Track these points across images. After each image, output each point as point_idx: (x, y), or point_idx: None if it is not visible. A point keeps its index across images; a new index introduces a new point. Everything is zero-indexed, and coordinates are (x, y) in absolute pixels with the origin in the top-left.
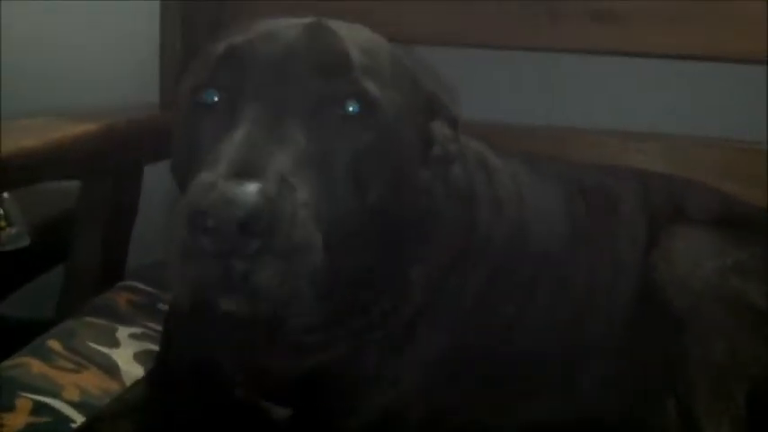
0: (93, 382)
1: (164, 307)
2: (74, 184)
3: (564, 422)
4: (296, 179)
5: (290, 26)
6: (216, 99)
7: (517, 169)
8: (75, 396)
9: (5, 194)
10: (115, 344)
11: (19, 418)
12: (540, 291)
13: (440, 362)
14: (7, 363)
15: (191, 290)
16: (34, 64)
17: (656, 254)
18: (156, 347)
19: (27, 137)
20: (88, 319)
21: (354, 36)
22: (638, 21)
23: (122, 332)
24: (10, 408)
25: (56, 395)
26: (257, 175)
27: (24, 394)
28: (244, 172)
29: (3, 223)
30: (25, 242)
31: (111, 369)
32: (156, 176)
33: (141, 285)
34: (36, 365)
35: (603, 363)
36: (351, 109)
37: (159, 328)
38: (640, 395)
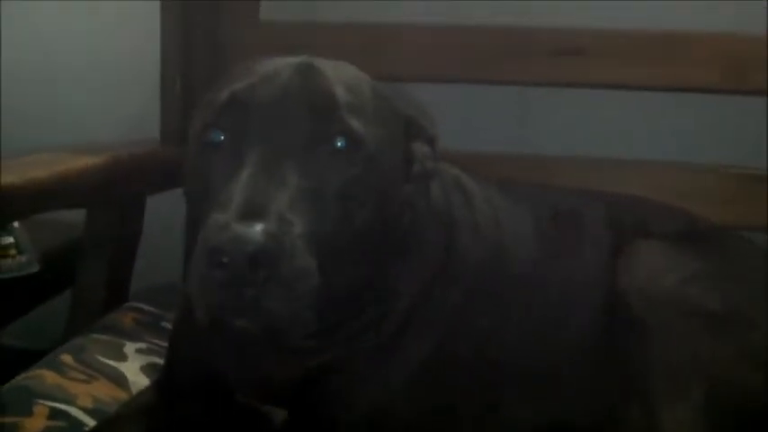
0: (103, 392)
1: (167, 325)
2: (80, 216)
3: (539, 424)
4: (293, 215)
5: (283, 68)
6: (222, 138)
7: (492, 193)
8: (88, 403)
9: (16, 224)
10: (123, 358)
11: (37, 422)
12: (514, 305)
13: (425, 367)
14: (22, 375)
15: (209, 312)
16: (36, 104)
17: (621, 266)
18: (160, 361)
19: (35, 169)
20: (96, 336)
21: (340, 75)
22: (600, 56)
23: (129, 347)
24: (28, 413)
25: (70, 402)
26: (261, 216)
27: (41, 401)
28: (250, 213)
29: (13, 251)
30: (35, 269)
31: (119, 380)
32: (158, 206)
33: (145, 306)
34: (50, 377)
35: (575, 369)
36: (339, 144)
37: (164, 343)
38: (608, 399)
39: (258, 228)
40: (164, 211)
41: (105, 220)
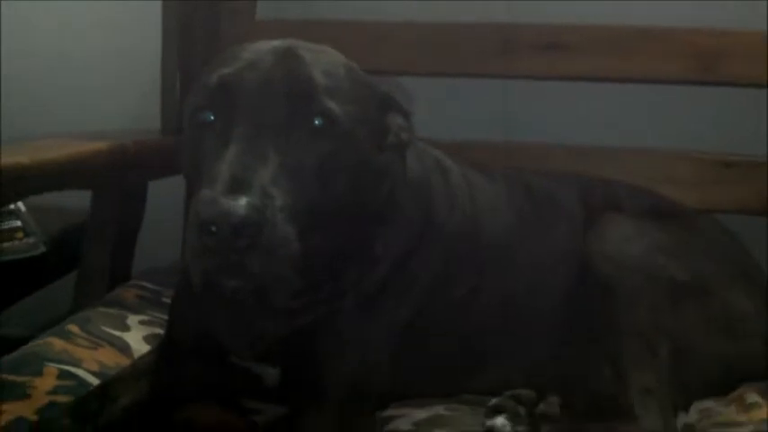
0: (108, 357)
1: (167, 300)
2: (84, 203)
3: (514, 386)
4: (274, 188)
5: (267, 53)
6: (212, 118)
7: (470, 173)
8: (94, 367)
9: (23, 208)
10: (126, 328)
11: (47, 381)
12: (490, 275)
13: (404, 329)
14: (32, 343)
15: (202, 275)
16: (39, 97)
17: (591, 236)
18: (161, 332)
19: (45, 151)
20: (101, 309)
21: (318, 59)
22: (579, 50)
23: (132, 319)
24: (39, 374)
25: (77, 365)
26: (245, 190)
27: (51, 364)
28: (235, 188)
29: (20, 234)
30: (41, 250)
31: (123, 348)
32: (160, 192)
33: (147, 284)
34: (58, 343)
35: (548, 334)
36: (317, 123)
37: (164, 316)
38: (580, 362)
39: (242, 201)
40: (164, 197)
41: (109, 204)
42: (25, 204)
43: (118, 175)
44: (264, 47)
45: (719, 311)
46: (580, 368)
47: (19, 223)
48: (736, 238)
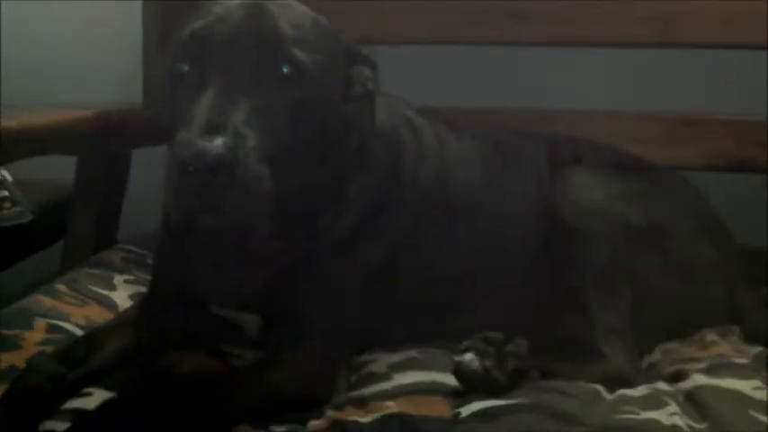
0: (95, 313)
1: (152, 261)
2: (70, 177)
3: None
4: (246, 130)
5: (236, 7)
6: (186, 69)
7: (440, 129)
8: (81, 321)
9: (9, 178)
10: (112, 287)
11: (37, 334)
12: (460, 225)
13: (376, 273)
14: (21, 301)
15: (181, 213)
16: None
17: (556, 185)
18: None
19: (32, 116)
20: (88, 270)
21: (285, 12)
22: (547, 18)
23: (118, 279)
24: (29, 327)
25: (66, 320)
26: (219, 132)
27: (40, 318)
28: (210, 130)
29: (8, 204)
30: (28, 218)
31: (110, 305)
32: (142, 160)
33: (132, 248)
34: (47, 300)
35: (516, 281)
36: (285, 71)
37: (149, 276)
38: (548, 303)
39: (217, 141)
40: (148, 167)
41: (95, 171)
42: (15, 177)
43: (102, 142)
44: (234, 2)
45: (679, 256)
46: (547, 312)
47: (6, 193)
48: (697, 191)
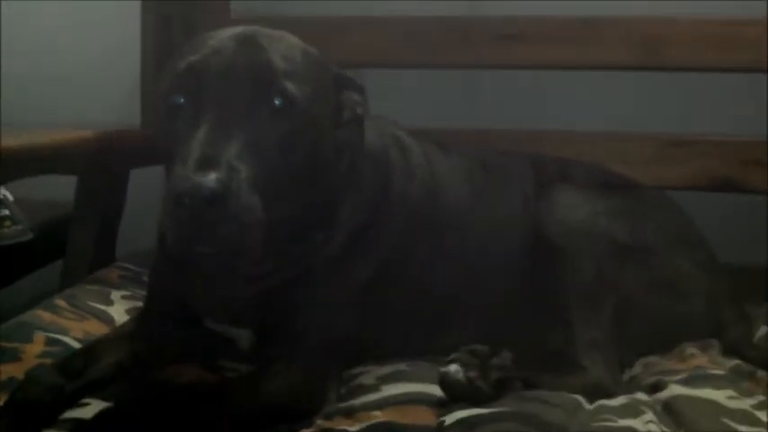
0: (94, 328)
1: (147, 278)
2: (70, 196)
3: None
4: (239, 163)
5: (230, 40)
6: (182, 101)
7: (429, 149)
8: (80, 335)
9: (10, 198)
10: (110, 303)
11: (36, 347)
12: (448, 242)
13: (366, 289)
14: (22, 315)
15: (177, 243)
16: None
17: (542, 203)
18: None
19: (33, 136)
20: (87, 286)
21: (276, 44)
22: (533, 40)
23: (115, 294)
24: (29, 340)
25: (65, 333)
26: (213, 166)
27: (39, 332)
28: (205, 165)
29: (8, 222)
30: (28, 237)
31: (107, 320)
32: (140, 180)
33: (129, 265)
34: (46, 315)
35: (504, 294)
36: (277, 103)
37: (145, 292)
38: (533, 318)
39: (211, 176)
40: (145, 185)
41: (94, 189)
42: (15, 196)
43: (102, 162)
44: (228, 33)
45: (661, 272)
46: (531, 326)
47: (7, 212)
48: (680, 209)
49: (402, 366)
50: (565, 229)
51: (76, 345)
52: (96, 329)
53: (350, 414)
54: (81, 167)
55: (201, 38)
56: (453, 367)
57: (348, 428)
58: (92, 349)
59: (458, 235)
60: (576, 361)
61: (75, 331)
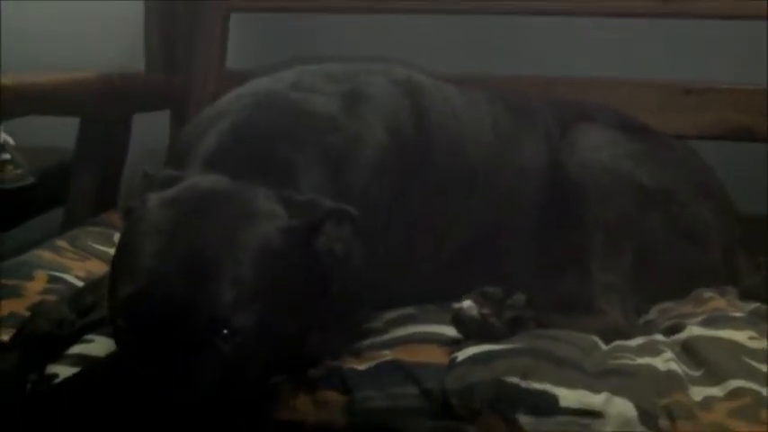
0: (96, 267)
1: None
2: (71, 144)
3: None
4: None
5: (172, 264)
6: (124, 326)
7: (447, 90)
8: (81, 273)
9: (12, 142)
10: (112, 244)
11: (37, 285)
12: (470, 179)
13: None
14: (22, 255)
15: None
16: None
17: (564, 144)
18: None
19: (33, 76)
20: (89, 228)
21: (226, 255)
22: None
23: (118, 236)
24: (30, 278)
25: (66, 272)
26: None
27: (41, 270)
28: None
29: (10, 166)
30: (29, 181)
31: (110, 260)
32: (143, 127)
33: None
34: (47, 255)
35: (521, 235)
36: (225, 333)
37: None
38: (549, 263)
39: None
40: (148, 131)
41: (96, 134)
42: (18, 143)
43: (104, 106)
44: (170, 248)
45: (681, 218)
46: (547, 270)
47: (8, 156)
48: (701, 158)
49: (410, 310)
50: (587, 170)
51: (78, 283)
52: (98, 269)
53: (358, 354)
54: (83, 110)
55: (144, 238)
56: (467, 303)
57: (356, 367)
58: (100, 285)
59: (478, 176)
60: (592, 304)
61: (76, 270)
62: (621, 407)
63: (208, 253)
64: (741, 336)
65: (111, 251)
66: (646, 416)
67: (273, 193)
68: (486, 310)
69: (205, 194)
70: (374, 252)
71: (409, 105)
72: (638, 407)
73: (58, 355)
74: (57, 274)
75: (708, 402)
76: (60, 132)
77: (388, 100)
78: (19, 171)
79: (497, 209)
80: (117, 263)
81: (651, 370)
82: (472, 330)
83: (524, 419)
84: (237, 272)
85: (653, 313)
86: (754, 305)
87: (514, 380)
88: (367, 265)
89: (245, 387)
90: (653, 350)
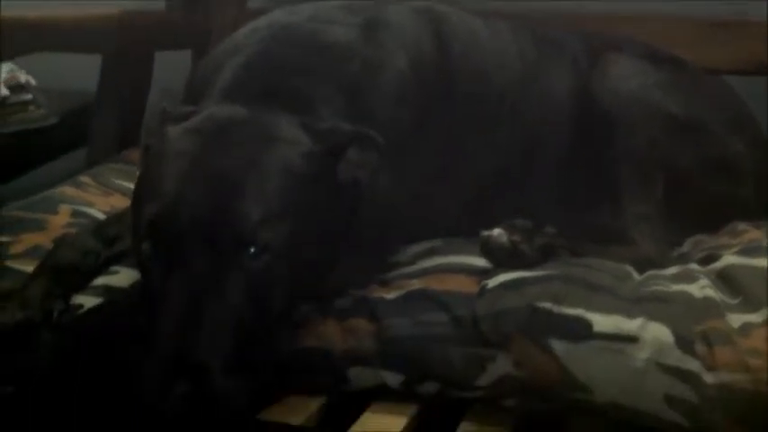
0: (119, 202)
1: None
2: (93, 87)
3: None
4: (213, 355)
5: (196, 181)
6: (151, 251)
7: (473, 22)
8: (105, 207)
9: (33, 82)
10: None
11: (61, 218)
12: (499, 110)
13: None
14: (45, 191)
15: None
16: None
17: (594, 73)
18: None
19: (55, 10)
20: (112, 165)
21: (252, 174)
22: None
23: None
24: (54, 212)
25: (90, 206)
26: (184, 373)
27: (64, 204)
28: (176, 371)
29: (32, 107)
30: (52, 121)
31: None
32: (166, 67)
33: None
34: (71, 190)
35: (551, 166)
36: (252, 251)
37: None
38: (581, 194)
39: (181, 388)
40: (170, 72)
41: (118, 72)
42: (40, 84)
43: (125, 42)
44: (196, 177)
45: (714, 150)
46: (577, 203)
47: (29, 96)
48: (733, 90)
49: (437, 242)
50: (618, 99)
51: (102, 217)
52: (122, 204)
53: (385, 284)
54: (104, 47)
55: (167, 164)
56: (496, 231)
57: (384, 296)
58: (123, 217)
59: (504, 106)
60: (625, 235)
61: (100, 205)
62: (657, 332)
63: (231, 173)
64: None
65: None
66: (682, 341)
67: (295, 120)
68: (516, 238)
69: (225, 122)
70: (399, 182)
71: (431, 33)
72: (674, 332)
73: (83, 286)
74: (80, 208)
75: (746, 329)
76: (83, 75)
77: (409, 28)
78: (42, 111)
79: (524, 139)
80: (140, 189)
81: (687, 296)
82: (502, 258)
83: (557, 345)
84: (262, 191)
85: (687, 246)
86: None
87: (547, 305)
88: (392, 196)
89: (273, 313)
90: (688, 278)
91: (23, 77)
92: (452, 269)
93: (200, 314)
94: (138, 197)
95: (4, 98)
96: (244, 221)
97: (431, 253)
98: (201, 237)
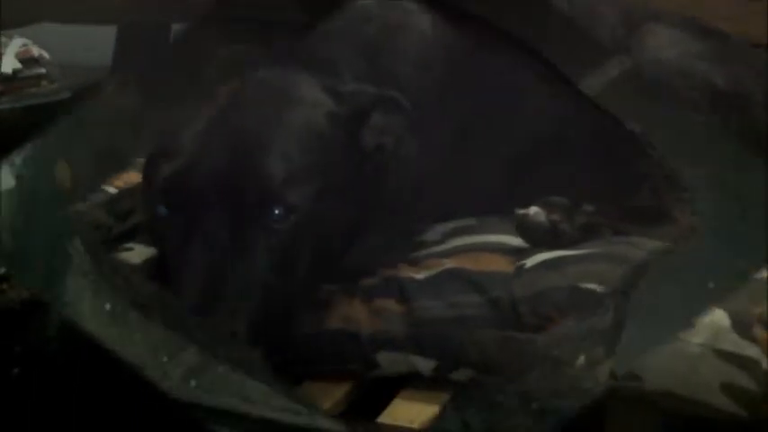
0: (133, 178)
1: None
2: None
3: None
4: (239, 303)
5: (218, 134)
6: (168, 213)
7: None
8: (120, 184)
9: (47, 56)
10: None
11: None
12: (532, 85)
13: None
14: None
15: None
16: None
17: (633, 41)
18: None
19: None
20: None
21: (277, 133)
22: None
23: None
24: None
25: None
26: (213, 309)
27: None
28: (203, 308)
29: (45, 82)
30: (65, 95)
31: None
32: None
33: None
34: None
35: (586, 144)
36: (276, 213)
37: None
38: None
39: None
40: None
41: (134, 43)
42: (54, 59)
43: (137, 13)
44: (217, 128)
45: (761, 127)
46: (618, 182)
47: (43, 70)
48: None
49: (470, 221)
50: (658, 68)
51: (115, 192)
52: (136, 179)
53: (415, 263)
54: (119, 18)
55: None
56: (533, 209)
57: (414, 276)
58: (136, 190)
59: (542, 80)
60: (667, 212)
61: (115, 180)
62: (713, 315)
63: (253, 130)
64: None
65: None
66: (740, 325)
67: (317, 81)
68: (555, 216)
69: (245, 83)
70: (425, 152)
71: None
72: (730, 315)
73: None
74: None
75: None
76: (98, 51)
77: None
78: (54, 85)
79: (558, 109)
80: (153, 152)
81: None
82: (540, 237)
83: None
84: (285, 148)
85: None
86: None
87: (591, 285)
88: (419, 167)
89: (297, 283)
90: None
91: (36, 51)
92: (486, 248)
93: (223, 282)
94: (151, 158)
95: (17, 71)
96: (269, 179)
97: (462, 232)
98: (223, 196)
